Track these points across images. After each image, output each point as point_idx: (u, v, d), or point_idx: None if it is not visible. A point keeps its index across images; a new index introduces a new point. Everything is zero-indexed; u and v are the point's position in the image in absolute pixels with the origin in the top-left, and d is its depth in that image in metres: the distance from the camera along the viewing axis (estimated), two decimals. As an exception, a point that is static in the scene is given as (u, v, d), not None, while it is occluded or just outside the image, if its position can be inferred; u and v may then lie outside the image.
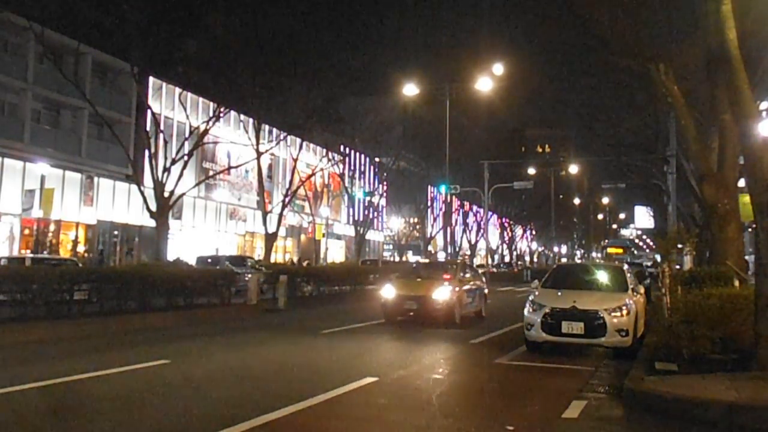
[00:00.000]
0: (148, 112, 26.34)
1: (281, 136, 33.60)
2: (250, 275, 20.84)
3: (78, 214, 32.12)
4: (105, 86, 34.10)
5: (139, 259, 31.46)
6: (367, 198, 44.81)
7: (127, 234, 35.40)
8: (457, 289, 15.03)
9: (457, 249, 59.38)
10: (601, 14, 14.32)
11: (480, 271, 22.61)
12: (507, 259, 69.31)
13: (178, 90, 28.48)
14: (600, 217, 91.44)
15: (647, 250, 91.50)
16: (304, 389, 7.44)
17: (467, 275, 16.52)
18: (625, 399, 7.24)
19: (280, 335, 13.57)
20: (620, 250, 51.97)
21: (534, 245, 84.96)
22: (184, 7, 22.66)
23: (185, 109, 27.31)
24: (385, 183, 47.15)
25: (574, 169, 54.20)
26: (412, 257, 59.39)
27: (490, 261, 55.81)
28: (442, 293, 14.67)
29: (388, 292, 15.23)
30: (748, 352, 8.15)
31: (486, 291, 17.51)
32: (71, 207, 31.52)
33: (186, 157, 24.03)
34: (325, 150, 41.54)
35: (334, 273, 25.81)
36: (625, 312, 10.13)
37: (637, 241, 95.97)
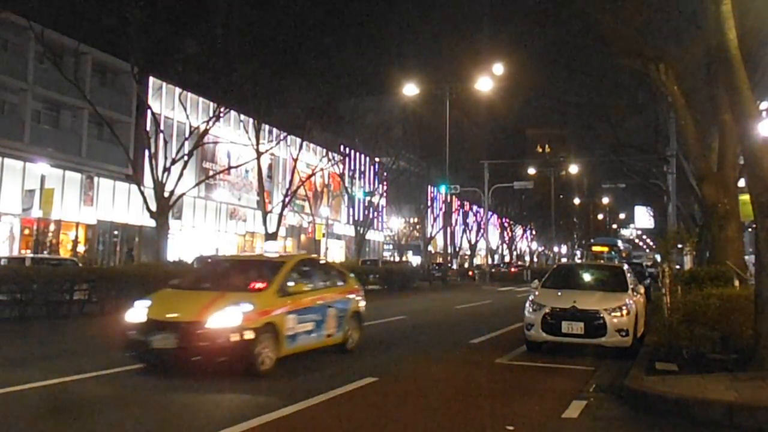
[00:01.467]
0: (148, 112, 26.34)
1: (281, 136, 33.61)
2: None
3: (78, 214, 32.13)
4: (105, 86, 34.12)
5: (140, 259, 31.47)
6: (367, 198, 44.81)
7: (127, 234, 35.41)
8: (266, 309, 8.52)
9: (457, 249, 59.40)
10: (601, 14, 14.31)
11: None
12: (507, 259, 69.32)
13: (178, 90, 28.47)
14: (600, 217, 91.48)
15: (647, 250, 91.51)
16: (304, 389, 7.44)
17: (305, 282, 9.68)
18: (625, 399, 7.24)
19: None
20: (605, 248, 45.38)
21: (534, 245, 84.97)
22: (184, 7, 22.66)
23: (185, 109, 27.31)
24: (385, 183, 47.14)
25: (574, 169, 54.20)
26: (412, 257, 59.46)
27: (490, 260, 55.86)
28: (225, 318, 8.03)
29: (135, 314, 8.43)
30: (748, 352, 8.16)
31: (359, 306, 11.06)
32: (71, 207, 31.52)
33: (186, 157, 24.03)
34: (325, 150, 41.54)
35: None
36: (625, 312, 10.13)
37: (636, 240, 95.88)
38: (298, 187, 35.36)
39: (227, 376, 8.01)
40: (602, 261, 33.84)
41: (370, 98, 43.79)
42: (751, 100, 8.58)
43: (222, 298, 8.46)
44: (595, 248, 46.38)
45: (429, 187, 56.30)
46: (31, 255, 23.86)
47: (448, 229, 56.12)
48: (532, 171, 54.82)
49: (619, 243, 49.35)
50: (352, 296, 10.91)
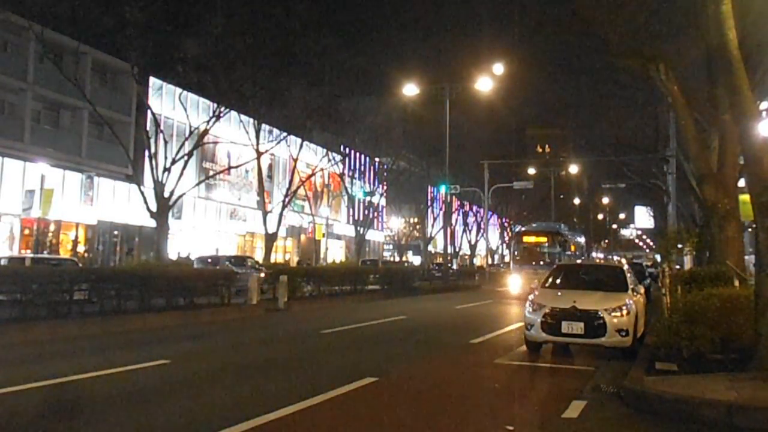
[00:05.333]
0: (148, 112, 26.33)
1: (281, 136, 33.63)
2: (250, 275, 20.84)
3: (78, 214, 32.11)
4: (105, 86, 34.10)
5: (140, 259, 31.43)
6: (367, 198, 44.81)
7: (127, 234, 35.40)
8: None
9: (457, 249, 59.38)
10: (601, 15, 14.31)
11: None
12: (507, 259, 69.18)
13: (178, 90, 28.47)
14: (600, 217, 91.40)
15: (647, 250, 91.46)
16: (304, 389, 7.44)
17: None
18: (625, 399, 7.24)
19: (279, 335, 13.58)
20: (543, 239, 30.37)
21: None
22: (184, 7, 22.66)
23: (185, 109, 27.30)
24: (385, 183, 47.14)
25: (574, 169, 54.17)
26: (412, 257, 59.43)
27: (490, 260, 55.80)
28: None
29: None
30: (748, 352, 8.16)
31: None
32: (71, 207, 31.50)
33: (186, 157, 24.02)
34: (325, 150, 41.55)
35: (334, 273, 25.82)
36: (625, 312, 10.13)
37: (636, 240, 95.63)
38: (298, 187, 35.36)
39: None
40: (542, 257, 28.33)
41: (370, 98, 43.78)
42: (751, 100, 8.57)
43: None
44: (527, 239, 30.84)
45: (429, 187, 56.30)
46: (31, 255, 23.84)
47: (448, 229, 56.11)
48: (532, 171, 54.79)
49: (564, 229, 32.83)
50: None
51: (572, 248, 30.15)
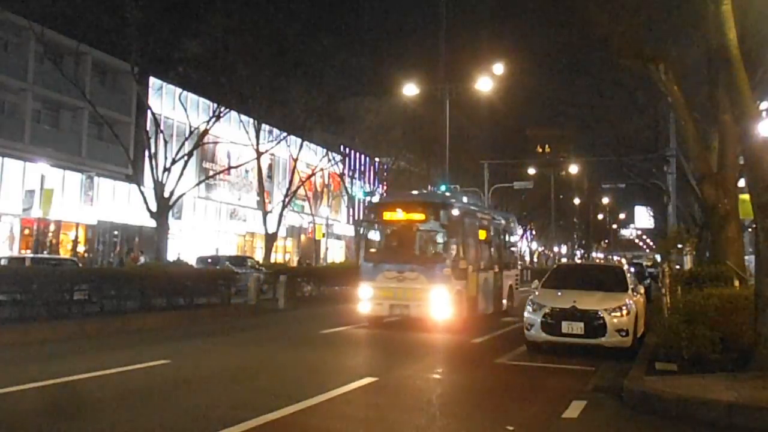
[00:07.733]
0: (148, 112, 26.33)
1: (281, 136, 33.60)
2: (250, 275, 20.83)
3: (78, 214, 32.10)
4: (105, 86, 34.09)
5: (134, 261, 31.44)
6: (367, 198, 44.77)
7: (127, 234, 35.40)
8: None
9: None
10: (601, 14, 14.30)
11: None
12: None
13: (178, 90, 28.47)
14: (600, 217, 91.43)
15: (647, 250, 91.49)
16: (304, 389, 7.44)
17: None
18: (625, 399, 7.24)
19: (279, 335, 13.58)
20: (419, 216, 14.76)
21: (534, 245, 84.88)
22: (184, 7, 22.65)
23: (185, 109, 27.29)
24: (385, 183, 47.13)
25: (574, 169, 54.13)
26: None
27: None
28: None
29: None
30: (748, 352, 8.16)
31: None
32: (71, 207, 31.50)
33: (186, 157, 24.01)
34: (325, 150, 41.54)
35: (334, 273, 25.81)
36: (625, 312, 10.14)
37: (636, 240, 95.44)
38: (298, 187, 35.34)
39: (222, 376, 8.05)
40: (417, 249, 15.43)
41: (370, 98, 43.74)
42: (751, 100, 8.57)
43: None
44: (390, 215, 15.50)
45: (429, 187, 56.22)
46: (31, 255, 23.83)
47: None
48: (532, 171, 54.76)
49: (462, 202, 17.04)
50: None
51: (482, 235, 17.02)
